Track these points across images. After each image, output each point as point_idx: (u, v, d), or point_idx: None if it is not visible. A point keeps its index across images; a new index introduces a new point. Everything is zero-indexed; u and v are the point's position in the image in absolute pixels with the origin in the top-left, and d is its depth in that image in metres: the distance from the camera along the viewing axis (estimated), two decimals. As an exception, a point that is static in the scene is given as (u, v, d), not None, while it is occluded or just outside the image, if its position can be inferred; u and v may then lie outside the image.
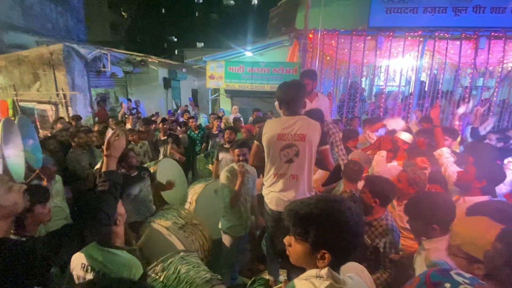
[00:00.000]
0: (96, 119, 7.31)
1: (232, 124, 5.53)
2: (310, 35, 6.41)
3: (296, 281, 0.91)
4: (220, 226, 2.75)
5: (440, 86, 6.51)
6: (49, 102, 7.28)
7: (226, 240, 2.73)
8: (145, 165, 3.58)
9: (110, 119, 6.36)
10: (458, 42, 6.19)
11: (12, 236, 1.15)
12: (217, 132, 5.12)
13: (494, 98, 6.36)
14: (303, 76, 2.92)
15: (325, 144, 2.12)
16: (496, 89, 6.34)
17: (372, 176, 2.15)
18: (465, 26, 6.25)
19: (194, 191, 3.29)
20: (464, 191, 2.08)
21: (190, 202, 3.22)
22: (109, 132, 1.42)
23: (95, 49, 7.78)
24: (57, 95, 7.16)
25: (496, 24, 6.20)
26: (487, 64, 6.22)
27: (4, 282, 0.91)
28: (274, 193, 2.04)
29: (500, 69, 6.25)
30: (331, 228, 0.85)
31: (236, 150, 2.67)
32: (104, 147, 1.35)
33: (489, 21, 6.27)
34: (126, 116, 6.50)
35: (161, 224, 2.42)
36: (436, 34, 6.19)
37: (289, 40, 7.35)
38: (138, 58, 9.46)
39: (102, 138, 3.97)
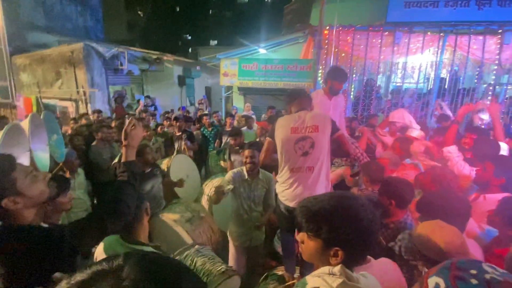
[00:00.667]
0: (114, 115, 7.54)
1: (244, 122, 5.55)
2: (325, 32, 6.32)
3: (309, 277, 0.90)
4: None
5: (461, 83, 6.26)
6: (70, 99, 7.57)
7: (230, 247, 2.72)
8: (158, 161, 3.66)
9: (127, 116, 6.55)
10: (481, 37, 5.92)
11: (42, 224, 1.21)
12: (230, 129, 5.16)
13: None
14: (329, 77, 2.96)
15: (338, 131, 2.12)
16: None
17: (388, 177, 2.10)
18: (489, 21, 5.95)
19: (212, 184, 3.34)
20: (483, 188, 2.04)
21: (208, 195, 3.27)
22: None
23: (113, 47, 8.00)
24: (77, 92, 7.42)
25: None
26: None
27: (34, 267, 0.97)
28: (289, 190, 2.03)
29: (526, 65, 5.94)
30: (344, 224, 0.84)
31: (246, 151, 2.55)
32: (122, 137, 1.36)
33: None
34: (142, 112, 6.67)
35: (168, 217, 2.45)
36: (458, 29, 5.94)
37: (304, 37, 7.27)
38: (154, 56, 9.64)
39: (120, 134, 4.09)
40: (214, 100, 12.96)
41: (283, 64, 7.00)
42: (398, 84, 6.74)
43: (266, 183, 2.65)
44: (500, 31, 5.79)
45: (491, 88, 6.14)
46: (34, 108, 7.61)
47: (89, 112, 6.96)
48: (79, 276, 0.42)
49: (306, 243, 0.92)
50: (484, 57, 5.97)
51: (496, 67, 6.00)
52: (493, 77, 6.09)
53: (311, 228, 0.89)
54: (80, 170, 3.13)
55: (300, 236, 0.95)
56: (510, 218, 1.42)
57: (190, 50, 25.08)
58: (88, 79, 7.37)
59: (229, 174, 2.61)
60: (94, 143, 3.76)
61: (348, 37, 6.36)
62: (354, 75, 6.89)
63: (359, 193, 2.30)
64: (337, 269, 0.83)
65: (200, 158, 5.51)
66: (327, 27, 6.22)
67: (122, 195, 1.21)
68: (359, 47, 6.39)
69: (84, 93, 7.39)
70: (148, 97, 8.85)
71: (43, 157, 2.30)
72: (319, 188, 2.00)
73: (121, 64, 8.06)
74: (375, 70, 6.77)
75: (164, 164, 3.64)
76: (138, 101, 8.06)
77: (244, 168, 2.59)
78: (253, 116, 6.61)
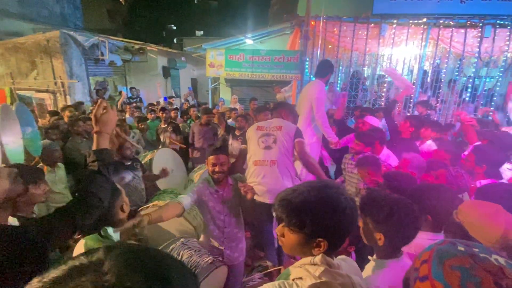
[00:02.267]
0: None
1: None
2: (312, 23, 6.27)
3: (291, 268, 0.89)
4: None
5: (442, 75, 6.43)
6: (47, 91, 7.20)
7: None
8: (141, 155, 3.56)
9: (98, 99, 6.30)
10: (463, 30, 6.06)
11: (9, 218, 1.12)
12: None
13: (497, 88, 6.29)
14: None
15: (300, 137, 2.22)
16: (499, 78, 6.26)
17: (391, 171, 2.11)
18: (470, 14, 6.10)
19: (200, 174, 3.29)
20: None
21: (191, 180, 3.23)
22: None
23: (92, 36, 7.64)
24: (55, 83, 7.06)
25: (502, 11, 6.04)
26: (491, 53, 6.11)
27: None
28: (258, 186, 2.10)
29: (504, 58, 6.15)
30: (328, 216, 0.82)
31: (211, 158, 2.03)
32: (92, 123, 1.21)
33: (495, 9, 6.11)
34: (126, 105, 6.45)
35: (159, 205, 2.34)
36: (441, 22, 6.05)
37: (291, 28, 7.20)
38: (137, 46, 9.30)
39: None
40: (201, 92, 12.75)
41: (270, 55, 6.93)
42: (383, 76, 6.84)
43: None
44: (480, 24, 5.94)
45: (470, 80, 6.34)
46: (8, 101, 7.19)
47: (69, 104, 6.66)
48: (53, 273, 0.38)
49: (287, 236, 0.89)
50: (464, 50, 6.14)
51: (476, 60, 6.19)
52: (473, 69, 6.29)
53: (293, 222, 0.85)
54: (61, 164, 3.01)
55: (279, 230, 0.91)
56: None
57: (175, 40, 24.45)
58: (67, 69, 7.02)
59: (199, 177, 2.29)
60: (70, 138, 3.59)
61: (335, 29, 6.35)
62: (340, 67, 6.92)
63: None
64: (318, 258, 0.82)
65: (187, 150, 5.42)
66: (314, 18, 6.18)
67: (92, 186, 1.10)
68: (345, 39, 6.40)
69: (63, 85, 7.05)
70: (133, 88, 8.57)
71: (16, 150, 2.17)
72: (286, 182, 2.08)
73: (102, 54, 7.73)
74: (361, 62, 6.82)
75: (148, 156, 3.55)
76: (120, 92, 7.79)
77: (210, 178, 2.10)
78: (237, 108, 6.54)
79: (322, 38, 6.41)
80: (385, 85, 6.61)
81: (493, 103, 6.19)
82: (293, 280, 0.84)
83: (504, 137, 2.69)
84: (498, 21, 5.88)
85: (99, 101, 1.22)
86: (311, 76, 6.77)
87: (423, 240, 1.21)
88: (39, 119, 5.50)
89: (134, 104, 6.72)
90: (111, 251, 0.40)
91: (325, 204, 0.83)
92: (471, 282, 0.47)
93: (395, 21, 6.12)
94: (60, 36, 6.84)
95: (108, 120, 1.19)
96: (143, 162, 3.33)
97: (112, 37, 8.69)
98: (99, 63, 8.15)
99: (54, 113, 5.06)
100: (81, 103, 5.79)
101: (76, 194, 1.11)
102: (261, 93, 8.10)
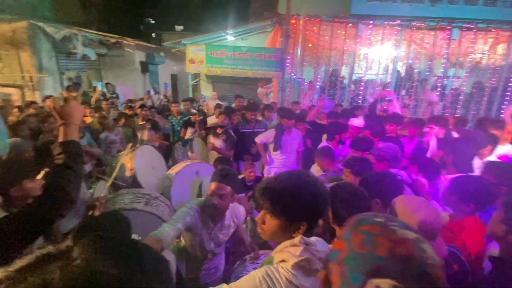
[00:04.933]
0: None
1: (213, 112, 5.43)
2: (293, 21, 6.35)
3: (274, 254, 0.95)
4: None
5: (415, 75, 6.77)
6: (14, 86, 6.75)
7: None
8: (119, 154, 3.43)
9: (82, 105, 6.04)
10: (433, 33, 6.41)
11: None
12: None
13: (463, 88, 6.74)
14: None
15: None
16: (466, 79, 6.71)
17: (352, 157, 2.25)
18: (440, 17, 6.47)
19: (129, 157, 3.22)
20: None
21: (169, 179, 3.15)
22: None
23: (64, 28, 7.23)
24: (23, 77, 6.63)
25: (468, 15, 6.47)
26: (458, 54, 6.53)
27: None
28: None
29: (469, 59, 6.59)
30: (308, 200, 0.90)
31: (215, 184, 1.67)
32: (56, 117, 1.09)
33: (462, 13, 6.53)
34: (101, 100, 6.19)
35: (125, 208, 2.04)
36: (413, 24, 6.36)
37: (272, 25, 7.25)
38: (112, 40, 8.92)
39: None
40: (181, 88, 12.49)
41: (251, 52, 6.92)
42: (360, 75, 7.08)
43: (237, 218, 1.88)
44: (448, 27, 6.31)
45: (440, 80, 6.74)
46: (-30, 95, 6.66)
47: (38, 99, 6.29)
48: (20, 262, 0.37)
49: (268, 222, 0.94)
50: (434, 51, 6.50)
51: (444, 61, 6.58)
52: (442, 70, 6.68)
53: (277, 208, 0.91)
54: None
55: (260, 217, 0.96)
56: (463, 196, 1.56)
57: (153, 35, 23.68)
58: (35, 63, 6.61)
59: (180, 217, 1.63)
60: (41, 136, 3.40)
61: (315, 27, 6.48)
62: (320, 65, 7.08)
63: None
64: (297, 239, 0.89)
65: (168, 148, 5.31)
66: (295, 17, 6.26)
67: (58, 180, 1.01)
68: (324, 38, 6.55)
69: (31, 79, 6.64)
70: (108, 84, 8.23)
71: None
72: None
73: (75, 48, 7.35)
74: (339, 61, 7.02)
75: (126, 156, 3.43)
76: (95, 88, 7.46)
77: (200, 204, 1.75)
78: (224, 105, 6.50)
79: (302, 37, 6.52)
80: (362, 83, 6.86)
81: (459, 102, 6.62)
82: (277, 263, 0.90)
83: (476, 135, 2.90)
84: (464, 25, 6.28)
85: (52, 98, 1.13)
86: (292, 74, 6.87)
87: None
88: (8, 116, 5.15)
89: (111, 100, 6.45)
90: (80, 239, 0.40)
91: (305, 189, 0.90)
92: (369, 244, 0.52)
93: (371, 22, 6.35)
94: (28, 27, 6.42)
95: (71, 110, 1.10)
96: (122, 161, 3.23)
97: (85, 30, 8.27)
98: (72, 57, 7.75)
99: (23, 108, 4.77)
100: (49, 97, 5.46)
101: (42, 189, 1.02)
102: (242, 90, 8.09)
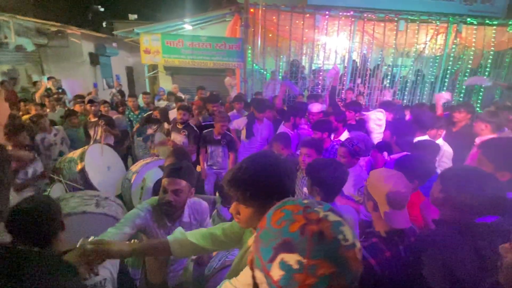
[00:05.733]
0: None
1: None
2: (251, 10, 6.28)
3: (249, 240, 0.98)
4: None
5: (368, 64, 7.20)
6: None
7: None
8: (69, 157, 3.11)
9: (22, 103, 5.41)
10: (382, 24, 6.84)
11: None
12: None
13: (410, 76, 7.36)
14: None
15: None
16: (411, 67, 7.33)
17: (307, 139, 2.42)
18: (389, 9, 6.92)
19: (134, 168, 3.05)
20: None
21: (128, 179, 2.97)
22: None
23: (-10, 14, 6.28)
24: None
25: (413, 8, 7.02)
26: (404, 45, 7.08)
27: None
28: None
29: (414, 49, 7.19)
30: (276, 180, 0.91)
31: (165, 180, 1.58)
32: None
33: (407, 5, 7.06)
34: (45, 97, 5.54)
35: (75, 212, 1.84)
36: (365, 15, 6.71)
37: (231, 14, 7.09)
38: (53, 28, 7.99)
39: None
40: (138, 81, 11.76)
41: (211, 42, 6.72)
42: (319, 65, 7.32)
43: (198, 214, 1.74)
44: (396, 19, 6.78)
45: (390, 69, 7.26)
46: None
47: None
48: None
49: (243, 212, 0.94)
50: (384, 41, 6.96)
51: (393, 51, 7.09)
52: (391, 59, 7.20)
53: (248, 196, 0.90)
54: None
55: (233, 208, 0.95)
56: (409, 174, 1.70)
57: (104, 24, 21.77)
58: (-44, 54, 5.67)
59: (129, 220, 1.51)
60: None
61: (274, 17, 6.49)
62: (281, 56, 7.15)
63: None
64: None
65: (126, 147, 5.00)
66: (253, 6, 6.20)
67: None
68: (284, 28, 6.60)
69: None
70: (52, 78, 7.38)
71: None
72: None
73: (6, 37, 6.44)
74: (299, 51, 7.16)
75: (77, 156, 3.14)
76: (35, 83, 6.67)
77: (153, 203, 1.62)
78: (185, 98, 6.27)
79: (262, 27, 6.49)
80: (321, 73, 7.10)
81: (406, 88, 7.24)
82: None
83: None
84: (409, 17, 6.80)
85: None
86: (254, 64, 6.84)
87: None
88: None
89: (56, 96, 5.80)
90: None
91: (270, 170, 0.91)
92: (285, 221, 0.54)
93: (327, 12, 6.55)
94: None
95: None
96: (66, 164, 2.95)
97: (19, 17, 7.27)
98: (3, 48, 6.79)
99: None
100: None
101: None
102: (204, 82, 7.87)
